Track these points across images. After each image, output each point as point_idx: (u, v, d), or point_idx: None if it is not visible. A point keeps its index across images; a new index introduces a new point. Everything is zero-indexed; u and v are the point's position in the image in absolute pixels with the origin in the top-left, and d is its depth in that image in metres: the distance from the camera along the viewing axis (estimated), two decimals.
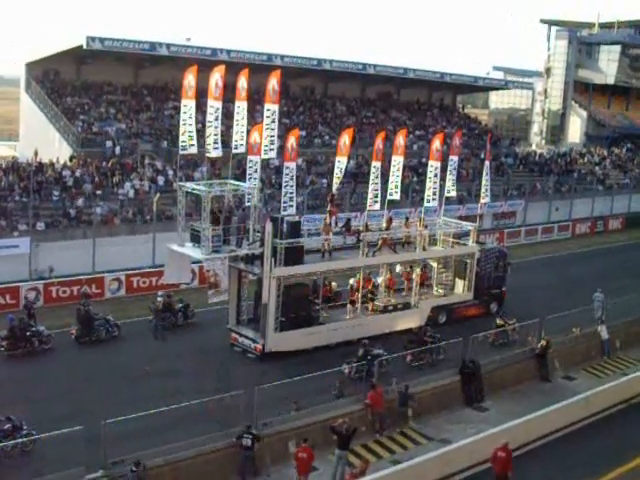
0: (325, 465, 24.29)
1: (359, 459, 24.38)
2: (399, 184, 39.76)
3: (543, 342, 33.43)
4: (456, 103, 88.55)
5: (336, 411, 26.47)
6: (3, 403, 25.47)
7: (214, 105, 33.64)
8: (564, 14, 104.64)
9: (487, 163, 44.52)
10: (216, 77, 33.62)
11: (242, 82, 34.55)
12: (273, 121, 34.82)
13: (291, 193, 34.68)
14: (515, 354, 33.68)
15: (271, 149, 35.09)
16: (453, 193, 42.44)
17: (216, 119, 33.64)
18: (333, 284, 38.43)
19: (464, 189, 61.52)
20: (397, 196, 40.01)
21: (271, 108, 34.85)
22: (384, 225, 38.65)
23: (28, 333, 32.64)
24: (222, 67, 34.08)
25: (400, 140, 40.33)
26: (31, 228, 42.02)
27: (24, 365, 31.41)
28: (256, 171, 35.37)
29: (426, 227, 39.45)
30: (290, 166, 34.80)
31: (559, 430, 27.66)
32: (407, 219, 40.34)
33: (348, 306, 37.17)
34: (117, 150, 53.31)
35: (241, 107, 34.68)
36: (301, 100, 70.69)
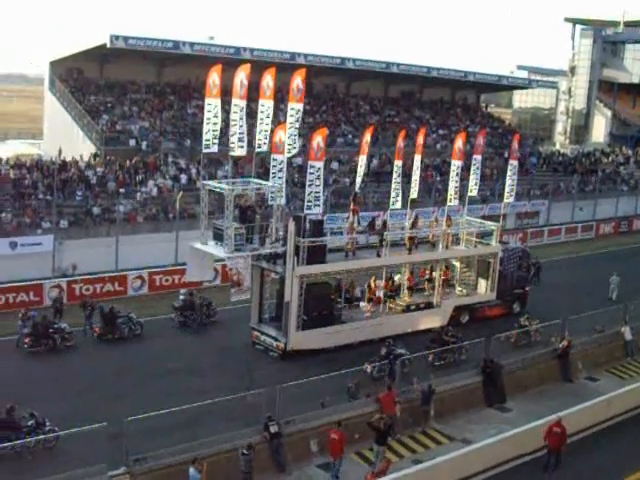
0: (348, 463, 24.30)
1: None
2: (417, 182, 39.72)
3: (565, 342, 33.25)
4: (479, 102, 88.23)
5: (357, 410, 26.45)
6: (26, 399, 25.57)
7: (239, 104, 33.51)
8: (589, 12, 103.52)
9: (513, 162, 44.24)
10: (241, 76, 33.51)
11: (267, 81, 34.40)
12: (297, 120, 34.72)
13: (317, 192, 34.46)
14: (537, 354, 33.49)
15: (294, 148, 35.05)
16: (475, 192, 42.24)
17: (241, 118, 33.55)
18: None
19: (487, 188, 61.30)
20: (415, 195, 39.88)
21: (295, 107, 34.74)
22: (408, 224, 38.50)
23: (50, 330, 32.83)
24: (247, 66, 33.94)
25: (420, 139, 40.26)
26: (55, 226, 42.26)
27: (47, 362, 31.55)
28: (281, 170, 35.35)
29: (449, 226, 39.37)
30: (316, 165, 34.57)
31: (581, 431, 27.47)
32: (436, 219, 40.22)
33: (368, 305, 37.07)
34: (143, 147, 53.55)
35: (265, 106, 34.56)
36: (324, 99, 70.67)
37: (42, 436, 23.43)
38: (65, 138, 56.08)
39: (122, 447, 21.56)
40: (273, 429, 23.96)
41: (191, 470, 21.43)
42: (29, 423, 23.92)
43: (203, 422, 24.01)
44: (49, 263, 40.64)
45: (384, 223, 37.78)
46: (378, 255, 36.59)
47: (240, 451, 22.72)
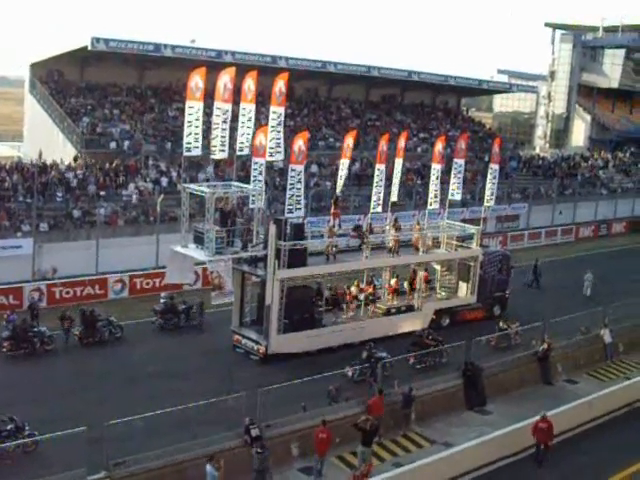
0: (329, 466, 24.44)
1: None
2: (398, 186, 39.82)
3: (545, 345, 33.42)
4: (460, 106, 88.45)
5: (338, 413, 26.49)
6: (5, 404, 25.49)
7: (222, 107, 33.38)
8: (568, 18, 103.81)
9: (494, 166, 44.38)
10: (225, 79, 33.36)
11: (249, 84, 34.39)
12: (279, 123, 34.67)
13: (298, 196, 34.48)
14: (517, 357, 33.65)
15: (277, 151, 35.00)
16: (458, 197, 42.40)
17: (224, 121, 33.43)
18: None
19: (467, 192, 61.53)
20: (395, 198, 39.99)
21: (277, 110, 34.71)
22: (389, 227, 38.55)
23: (30, 334, 32.65)
24: (232, 69, 33.84)
25: (401, 142, 40.35)
26: (34, 229, 41.99)
27: (26, 366, 31.41)
28: (261, 173, 35.36)
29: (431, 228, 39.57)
30: (297, 169, 34.58)
31: (562, 433, 27.59)
32: (418, 222, 40.20)
33: (347, 308, 37.12)
34: (123, 150, 53.39)
35: (247, 109, 34.52)
36: (305, 102, 70.69)
37: (21, 440, 23.29)
38: (45, 140, 55.81)
39: (102, 451, 21.48)
40: (254, 432, 23.92)
41: (208, 468, 21.60)
42: (8, 427, 23.74)
43: (184, 426, 23.92)
44: (29, 266, 40.42)
45: (370, 226, 37.86)
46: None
47: (255, 449, 22.84)
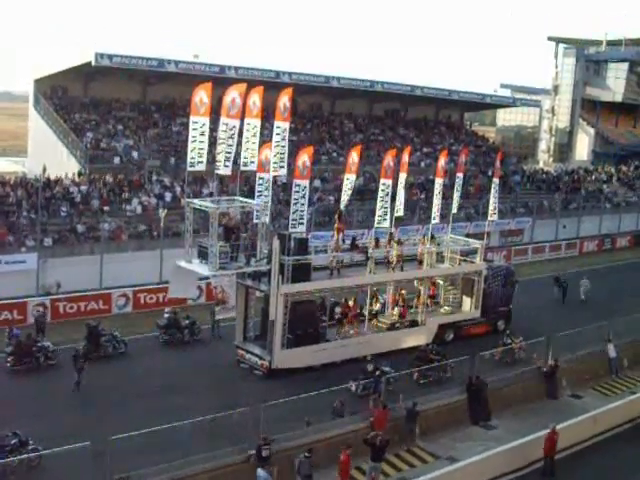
0: None
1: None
2: (403, 200, 39.87)
3: (552, 362, 33.32)
4: (463, 120, 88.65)
5: (342, 429, 26.45)
6: (9, 418, 25.48)
7: (228, 123, 33.06)
8: (571, 32, 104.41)
9: (495, 180, 44.53)
10: (233, 95, 33.04)
11: (254, 99, 34.30)
12: (283, 139, 34.64)
13: (302, 211, 34.50)
14: (522, 372, 33.57)
15: (281, 166, 34.97)
16: (455, 210, 42.41)
17: (230, 137, 33.25)
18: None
19: (471, 206, 61.57)
20: (401, 212, 40.05)
21: (281, 126, 34.67)
22: (388, 242, 38.52)
23: (34, 348, 32.65)
24: (243, 85, 33.44)
25: (405, 157, 40.40)
26: (39, 244, 42.06)
27: (30, 380, 31.38)
28: (267, 189, 35.30)
29: (438, 244, 39.57)
30: (301, 184, 34.60)
31: (567, 448, 27.54)
32: (424, 236, 40.12)
33: (347, 323, 36.92)
34: (127, 165, 53.49)
35: (252, 124, 34.41)
36: (308, 117, 70.87)
37: (25, 455, 23.19)
38: (49, 156, 55.92)
39: (105, 466, 21.40)
40: (265, 453, 23.71)
41: (260, 472, 22.26)
42: (12, 442, 23.66)
43: (187, 441, 23.88)
44: (33, 281, 40.44)
45: (376, 241, 37.85)
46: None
47: (302, 455, 23.46)
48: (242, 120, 34.17)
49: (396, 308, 38.61)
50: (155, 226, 46.66)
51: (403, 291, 39.37)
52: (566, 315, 42.66)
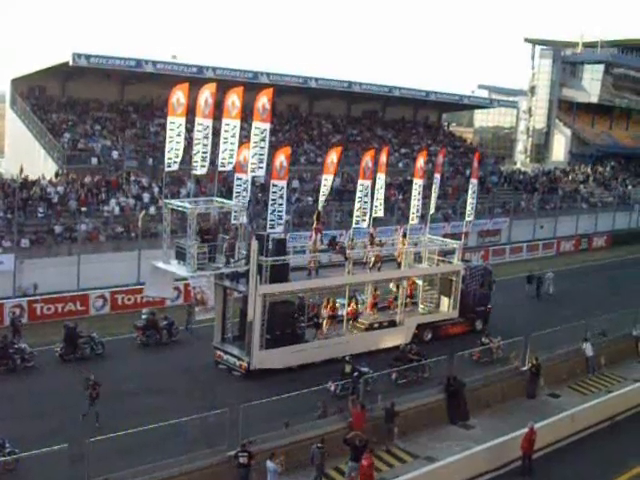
0: None
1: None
2: (382, 201, 39.91)
3: (534, 361, 33.33)
4: (441, 121, 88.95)
5: (320, 430, 26.36)
6: None
7: (203, 123, 33.07)
8: (548, 33, 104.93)
9: (473, 181, 44.70)
10: (206, 94, 33.13)
11: (233, 100, 34.18)
12: (263, 139, 34.31)
13: (280, 211, 34.37)
14: (500, 372, 33.69)
15: (260, 167, 34.80)
16: (433, 210, 42.52)
17: (205, 137, 33.24)
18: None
19: (449, 207, 61.79)
20: (381, 213, 40.12)
21: (260, 126, 34.34)
22: (370, 242, 38.55)
23: (10, 350, 32.42)
24: (213, 85, 33.62)
25: (383, 158, 40.44)
26: (15, 245, 41.80)
27: (6, 382, 31.13)
28: (245, 189, 35.22)
29: (415, 245, 39.62)
30: (279, 184, 34.47)
31: (545, 447, 27.65)
32: (405, 235, 39.91)
33: (327, 324, 36.92)
34: (105, 166, 53.23)
35: (231, 125, 34.30)
36: (287, 118, 70.83)
37: (2, 458, 23.03)
38: (27, 156, 55.59)
39: (84, 469, 21.26)
40: (242, 460, 23.59)
41: (269, 464, 22.74)
42: None
43: (165, 443, 23.80)
44: (10, 282, 40.19)
45: (351, 241, 37.87)
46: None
47: (315, 445, 24.19)
48: (219, 120, 34.12)
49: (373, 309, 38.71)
50: (133, 227, 46.48)
51: (377, 292, 39.50)
52: (543, 313, 42.90)
